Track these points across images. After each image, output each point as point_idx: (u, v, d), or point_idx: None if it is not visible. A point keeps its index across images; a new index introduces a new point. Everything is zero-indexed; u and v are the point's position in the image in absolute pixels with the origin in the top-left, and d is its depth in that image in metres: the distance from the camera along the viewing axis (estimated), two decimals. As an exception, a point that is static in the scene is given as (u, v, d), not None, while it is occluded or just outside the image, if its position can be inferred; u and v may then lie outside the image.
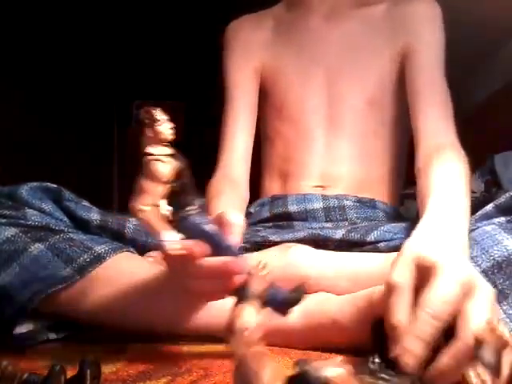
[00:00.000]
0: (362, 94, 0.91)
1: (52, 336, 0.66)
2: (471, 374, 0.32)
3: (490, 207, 0.63)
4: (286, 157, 0.93)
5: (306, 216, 0.85)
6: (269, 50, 0.97)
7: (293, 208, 0.85)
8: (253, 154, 0.97)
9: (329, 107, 0.92)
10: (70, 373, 0.42)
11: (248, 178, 0.94)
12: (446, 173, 0.69)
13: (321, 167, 0.90)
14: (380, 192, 0.91)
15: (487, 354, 0.32)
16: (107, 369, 0.49)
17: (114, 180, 2.35)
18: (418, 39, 0.89)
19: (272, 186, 0.95)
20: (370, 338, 0.44)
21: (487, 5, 1.53)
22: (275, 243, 0.72)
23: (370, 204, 0.87)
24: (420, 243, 0.50)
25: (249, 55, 0.97)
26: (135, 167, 0.49)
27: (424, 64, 0.87)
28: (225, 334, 0.34)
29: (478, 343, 0.33)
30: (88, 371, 0.43)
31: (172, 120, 0.50)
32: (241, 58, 0.98)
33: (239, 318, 0.33)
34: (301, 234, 0.71)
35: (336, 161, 0.90)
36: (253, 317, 0.33)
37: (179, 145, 0.51)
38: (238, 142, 0.94)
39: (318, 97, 0.93)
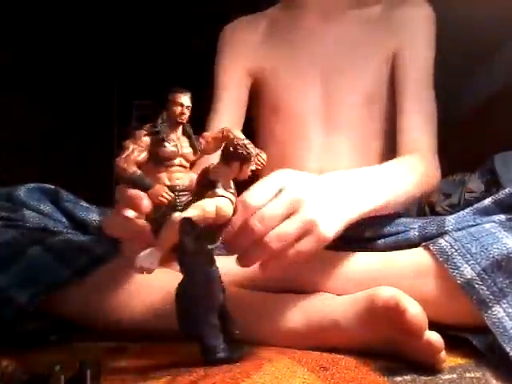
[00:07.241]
0: (359, 92, 0.91)
1: (52, 337, 0.66)
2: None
3: (488, 202, 0.63)
4: (281, 157, 0.92)
5: None
6: (264, 50, 0.96)
7: None
8: None
9: (325, 106, 0.91)
10: (70, 373, 0.42)
11: None
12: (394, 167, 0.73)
13: (318, 168, 0.88)
14: None
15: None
16: (107, 369, 0.49)
17: (113, 180, 2.35)
18: (407, 42, 0.90)
19: None
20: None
21: (487, 5, 1.53)
22: None
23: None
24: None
25: (241, 57, 0.97)
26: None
27: (411, 67, 0.89)
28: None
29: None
30: (88, 371, 0.43)
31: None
32: (232, 61, 0.97)
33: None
34: None
35: (334, 161, 0.89)
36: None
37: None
38: None
39: (314, 96, 0.92)
